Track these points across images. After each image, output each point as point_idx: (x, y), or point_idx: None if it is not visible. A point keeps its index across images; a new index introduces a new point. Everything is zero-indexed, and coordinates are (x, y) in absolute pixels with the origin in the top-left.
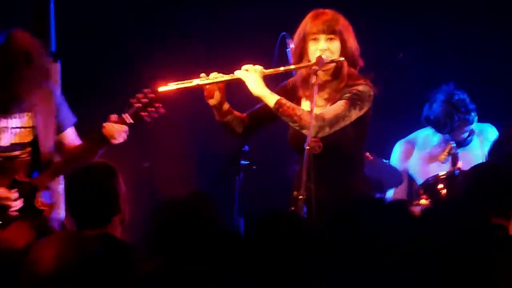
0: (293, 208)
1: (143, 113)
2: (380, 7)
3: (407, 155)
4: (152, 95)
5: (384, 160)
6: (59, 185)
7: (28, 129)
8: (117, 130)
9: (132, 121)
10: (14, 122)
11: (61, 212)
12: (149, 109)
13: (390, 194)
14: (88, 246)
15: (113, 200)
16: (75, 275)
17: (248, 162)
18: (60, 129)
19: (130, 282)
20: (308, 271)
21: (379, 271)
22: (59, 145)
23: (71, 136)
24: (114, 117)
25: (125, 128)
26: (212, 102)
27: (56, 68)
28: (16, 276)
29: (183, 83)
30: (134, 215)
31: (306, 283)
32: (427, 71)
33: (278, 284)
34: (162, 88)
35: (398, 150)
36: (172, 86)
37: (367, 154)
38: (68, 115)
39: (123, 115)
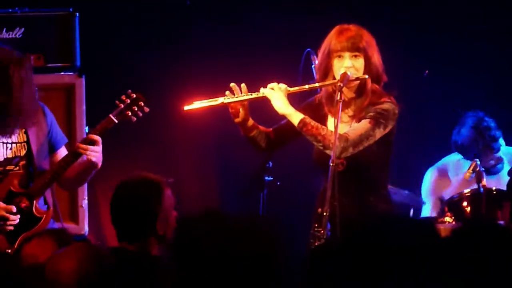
0: (316, 225)
1: (127, 112)
2: (407, 23)
3: (440, 182)
4: (134, 95)
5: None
6: (83, 200)
7: (21, 143)
8: (86, 148)
9: (116, 121)
10: (7, 137)
11: (85, 226)
12: (133, 107)
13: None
14: (105, 259)
15: (149, 222)
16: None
17: (272, 178)
18: (52, 149)
19: None
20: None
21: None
22: (51, 165)
23: (62, 156)
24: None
25: (91, 147)
26: (237, 120)
27: (81, 83)
28: None
29: (208, 102)
30: None
31: None
32: (453, 93)
33: None
34: (187, 107)
35: (429, 177)
36: (197, 104)
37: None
38: (60, 135)
39: (109, 115)
